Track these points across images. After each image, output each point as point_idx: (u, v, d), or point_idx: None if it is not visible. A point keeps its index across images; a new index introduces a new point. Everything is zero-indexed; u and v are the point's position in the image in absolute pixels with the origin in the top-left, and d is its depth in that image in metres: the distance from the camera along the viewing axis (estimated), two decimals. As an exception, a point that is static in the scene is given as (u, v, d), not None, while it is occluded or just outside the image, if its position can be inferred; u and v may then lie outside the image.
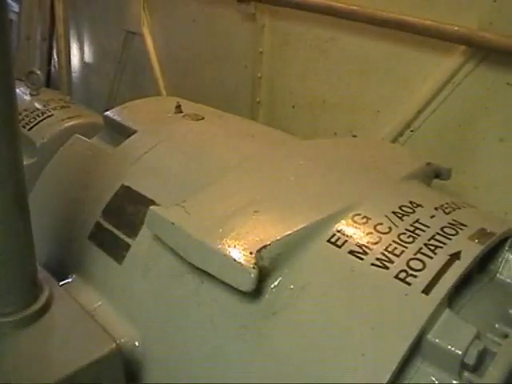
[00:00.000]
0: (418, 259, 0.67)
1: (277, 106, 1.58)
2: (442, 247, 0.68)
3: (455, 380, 0.62)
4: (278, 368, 0.65)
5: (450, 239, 0.70)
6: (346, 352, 0.63)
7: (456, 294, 0.68)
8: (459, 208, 0.78)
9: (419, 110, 1.28)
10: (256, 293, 0.67)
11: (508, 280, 0.74)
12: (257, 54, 1.58)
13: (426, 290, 0.63)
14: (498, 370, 0.61)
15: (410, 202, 0.76)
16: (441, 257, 0.67)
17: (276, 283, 0.68)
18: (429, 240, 0.69)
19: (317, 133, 1.48)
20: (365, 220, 0.71)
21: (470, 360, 0.60)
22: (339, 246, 0.69)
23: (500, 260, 0.75)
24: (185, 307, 0.75)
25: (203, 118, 1.04)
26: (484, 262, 0.75)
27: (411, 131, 1.31)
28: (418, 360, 0.64)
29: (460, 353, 0.60)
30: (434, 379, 0.63)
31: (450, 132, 1.24)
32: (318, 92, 1.48)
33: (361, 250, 0.68)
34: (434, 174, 0.96)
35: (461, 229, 0.72)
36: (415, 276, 0.65)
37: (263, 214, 0.73)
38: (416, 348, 0.63)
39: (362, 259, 0.67)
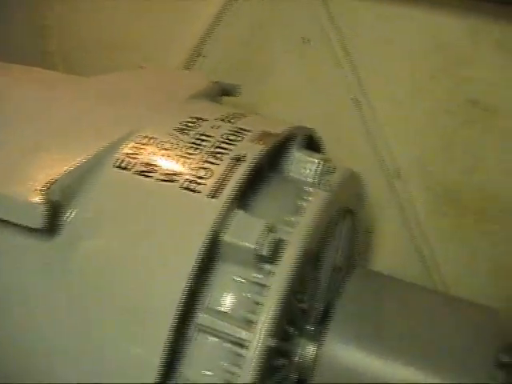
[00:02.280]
0: (203, 168, 0.72)
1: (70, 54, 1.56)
2: (227, 153, 0.74)
3: (255, 273, 0.69)
4: (85, 296, 0.68)
5: (234, 145, 0.75)
6: (146, 266, 0.67)
7: (248, 195, 0.74)
8: (244, 117, 0.84)
9: (205, 35, 1.32)
10: (52, 229, 0.69)
11: (297, 176, 0.81)
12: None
13: (214, 195, 0.69)
14: (290, 254, 0.68)
15: (192, 117, 0.81)
16: (226, 162, 0.72)
17: (70, 216, 0.71)
18: (213, 149, 0.75)
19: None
20: (148, 140, 0.75)
21: (263, 251, 0.66)
22: (126, 169, 0.73)
23: (289, 158, 0.83)
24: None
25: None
26: (276, 162, 0.83)
27: (203, 57, 1.35)
28: (218, 263, 0.70)
29: (252, 246, 0.66)
30: (233, 277, 0.70)
31: (240, 52, 1.30)
32: (107, 33, 1.49)
33: (147, 169, 0.72)
34: (221, 92, 1.02)
35: (245, 134, 0.78)
36: (201, 184, 0.70)
37: (48, 152, 0.75)
38: (214, 252, 0.69)
39: (149, 177, 0.71)
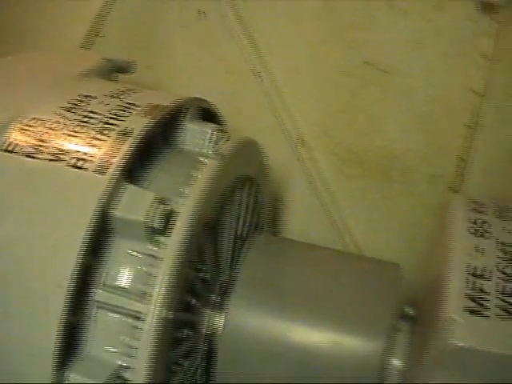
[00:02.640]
0: (91, 145, 0.72)
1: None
2: (113, 129, 0.74)
3: (149, 246, 0.70)
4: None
5: (122, 120, 0.76)
6: (38, 248, 0.68)
7: (140, 169, 0.75)
8: (135, 92, 0.84)
9: (102, 14, 1.31)
10: None
11: (191, 147, 0.82)
12: None
13: (101, 170, 0.69)
14: (181, 224, 0.69)
15: (81, 96, 0.80)
16: (113, 137, 0.73)
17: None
18: (101, 125, 0.75)
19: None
20: (35, 121, 0.75)
21: (154, 223, 0.67)
22: (13, 152, 0.72)
23: (182, 131, 0.83)
24: None
25: None
26: (170, 136, 0.83)
27: (101, 37, 1.34)
28: (112, 239, 0.71)
29: (142, 219, 0.67)
30: (128, 251, 0.70)
31: (138, 29, 1.30)
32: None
33: (35, 150, 0.72)
34: (116, 70, 1.02)
35: (133, 109, 0.78)
36: (89, 161, 0.70)
37: None
38: (106, 228, 0.69)
39: (37, 158, 0.71)
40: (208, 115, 0.90)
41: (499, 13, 1.06)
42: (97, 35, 1.34)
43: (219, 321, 0.82)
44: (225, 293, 0.83)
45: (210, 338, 0.82)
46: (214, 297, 0.83)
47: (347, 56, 1.15)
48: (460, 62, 1.11)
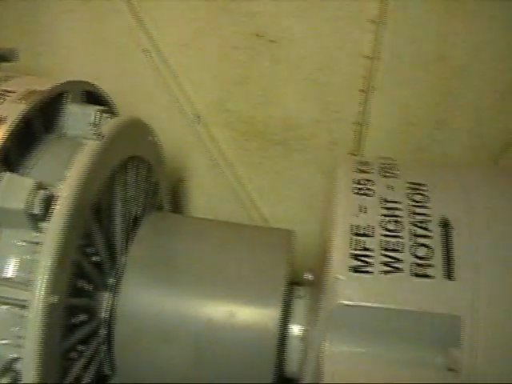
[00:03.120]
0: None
1: None
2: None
3: (33, 233, 0.69)
4: None
5: (-4, 109, 0.74)
6: None
7: (20, 157, 0.74)
8: (12, 79, 0.83)
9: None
10: None
11: (73, 131, 0.81)
12: None
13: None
14: (59, 208, 0.68)
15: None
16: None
17: None
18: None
19: None
20: None
21: (34, 209, 0.66)
22: None
23: (65, 115, 0.82)
24: None
25: None
26: (51, 120, 0.82)
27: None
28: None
29: (22, 207, 0.66)
30: (14, 241, 0.69)
31: (24, 17, 1.27)
32: None
33: None
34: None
35: (8, 96, 0.76)
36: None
37: None
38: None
39: None
40: (94, 97, 0.89)
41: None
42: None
43: (116, 304, 0.81)
44: (119, 274, 0.82)
45: (110, 322, 0.81)
46: (110, 280, 0.82)
47: (237, 29, 1.15)
48: (348, 27, 1.13)
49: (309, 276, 0.83)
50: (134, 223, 0.87)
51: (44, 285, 0.65)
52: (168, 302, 0.78)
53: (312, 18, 1.13)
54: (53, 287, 0.66)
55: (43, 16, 1.25)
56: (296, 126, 1.19)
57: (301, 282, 0.85)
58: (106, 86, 0.94)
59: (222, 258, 0.82)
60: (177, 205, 1.24)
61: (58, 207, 0.68)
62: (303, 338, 0.78)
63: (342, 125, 1.19)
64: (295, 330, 0.78)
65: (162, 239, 0.85)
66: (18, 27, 1.27)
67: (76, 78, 0.87)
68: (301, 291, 0.82)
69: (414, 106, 1.18)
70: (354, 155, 1.19)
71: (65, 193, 0.69)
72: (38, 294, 0.65)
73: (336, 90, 1.17)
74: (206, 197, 1.29)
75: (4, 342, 0.68)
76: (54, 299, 0.66)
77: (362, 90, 1.16)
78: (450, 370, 0.62)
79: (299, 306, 0.80)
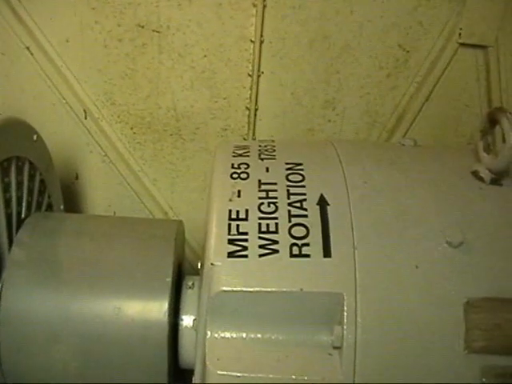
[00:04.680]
0: None
1: None
2: None
3: None
4: None
5: None
6: None
7: None
8: None
9: None
10: None
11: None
12: None
13: None
14: None
15: None
16: None
17: None
18: None
19: None
20: None
21: None
22: None
23: None
24: None
25: None
26: None
27: None
28: None
29: None
30: None
31: None
32: None
33: None
34: None
35: None
36: None
37: None
38: None
39: None
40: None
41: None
42: None
43: (-1, 309, 0.78)
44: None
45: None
46: (-8, 281, 0.79)
47: (119, 21, 1.13)
48: (231, 12, 1.12)
49: (199, 265, 0.81)
50: (19, 224, 0.84)
51: None
52: (52, 303, 0.76)
53: (194, 5, 1.11)
54: None
55: None
56: (187, 116, 1.18)
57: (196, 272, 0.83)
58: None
59: (105, 253, 0.80)
60: (72, 203, 1.21)
61: None
62: (195, 328, 0.76)
63: (232, 111, 1.19)
64: (187, 320, 0.77)
65: (42, 239, 0.82)
66: None
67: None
68: (190, 281, 0.80)
69: (302, 87, 1.18)
70: (245, 140, 1.18)
71: None
72: None
73: (224, 77, 1.17)
74: (101, 193, 1.26)
75: None
76: None
77: (250, 75, 1.15)
78: (335, 348, 0.62)
79: (190, 296, 0.78)
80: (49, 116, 1.17)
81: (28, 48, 1.16)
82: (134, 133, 1.20)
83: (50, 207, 0.99)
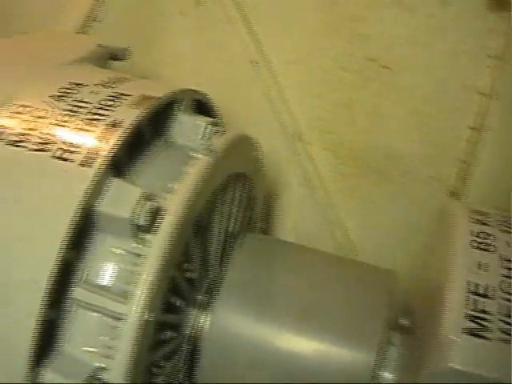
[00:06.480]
0: (77, 136, 0.69)
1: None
2: (103, 120, 0.70)
3: (134, 243, 0.66)
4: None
5: (111, 111, 0.72)
6: (16, 238, 0.64)
7: (128, 163, 0.72)
8: (127, 81, 0.81)
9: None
10: None
11: (182, 141, 0.79)
12: None
13: (86, 163, 0.65)
14: (167, 222, 0.66)
15: (71, 83, 0.77)
16: (101, 128, 0.69)
17: None
18: (89, 115, 0.72)
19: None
20: (23, 108, 0.72)
21: (140, 220, 0.64)
22: (-1, 139, 0.69)
23: (174, 123, 0.80)
24: None
25: None
26: (161, 128, 0.80)
27: (98, 22, 1.30)
28: (95, 235, 0.67)
29: (128, 216, 0.63)
30: (112, 248, 0.67)
31: (136, 15, 1.26)
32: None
33: (19, 139, 0.69)
34: (109, 56, 0.98)
35: (124, 99, 0.74)
36: (75, 152, 0.67)
37: None
38: (89, 223, 0.66)
39: (22, 147, 0.68)
40: (201, 106, 0.87)
41: (509, 10, 1.02)
42: (94, 20, 1.30)
43: (204, 322, 0.79)
44: (212, 293, 0.80)
45: (194, 340, 0.78)
46: (200, 297, 0.80)
47: (349, 50, 1.12)
48: (465, 61, 1.08)
49: (405, 322, 0.78)
50: (229, 240, 0.84)
51: (143, 299, 0.63)
52: (259, 330, 0.75)
53: (429, 47, 1.08)
54: (151, 302, 0.63)
55: (156, 16, 1.24)
56: (396, 157, 1.15)
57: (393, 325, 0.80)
58: (207, 92, 0.92)
59: (318, 293, 0.78)
60: (264, 220, 1.21)
61: (166, 221, 0.65)
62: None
63: (445, 161, 1.14)
64: (386, 377, 0.74)
65: (260, 263, 0.82)
66: (130, 25, 1.26)
67: (189, 84, 0.85)
68: (395, 337, 0.77)
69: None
70: (455, 194, 1.13)
71: (174, 207, 0.66)
72: (136, 308, 0.63)
73: (444, 125, 1.12)
74: (293, 215, 1.25)
75: (91, 349, 0.66)
76: (151, 315, 0.63)
77: (473, 128, 1.10)
78: None
79: (392, 353, 0.75)
80: (259, 130, 1.15)
81: (253, 61, 1.17)
82: (340, 163, 1.18)
83: (253, 225, 0.99)
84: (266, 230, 1.17)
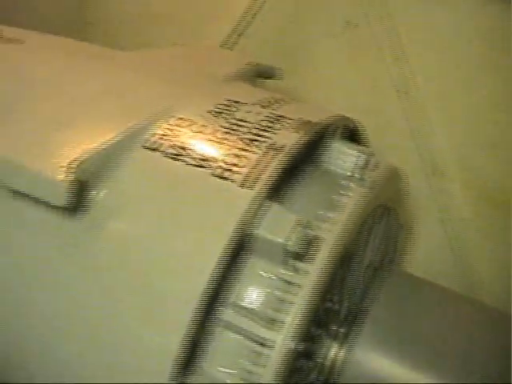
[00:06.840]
0: (238, 155, 0.69)
1: (110, 26, 1.54)
2: (264, 141, 0.70)
3: (285, 270, 0.66)
4: (103, 282, 0.66)
5: (272, 132, 0.72)
6: (171, 254, 0.65)
7: (281, 186, 0.71)
8: (284, 103, 0.81)
9: (247, 15, 1.28)
10: (76, 207, 0.66)
11: (335, 169, 0.78)
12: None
13: (247, 185, 0.65)
14: (326, 252, 0.65)
15: (229, 100, 0.77)
16: (262, 150, 0.69)
17: (96, 196, 0.68)
18: (250, 135, 0.72)
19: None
20: (181, 121, 0.73)
21: (294, 247, 0.63)
22: (156, 151, 0.70)
23: (325, 149, 0.79)
24: (6, 232, 0.72)
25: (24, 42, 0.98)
26: (310, 152, 0.78)
27: (245, 38, 1.32)
28: (246, 257, 0.67)
29: (284, 241, 0.63)
30: (262, 273, 0.66)
31: (283, 34, 1.27)
32: (149, 6, 1.46)
33: (178, 152, 0.69)
34: (258, 74, 0.98)
35: (284, 122, 0.74)
36: (235, 172, 0.67)
37: (76, 128, 0.72)
38: (243, 245, 0.66)
39: (180, 161, 0.69)
40: (350, 132, 0.85)
41: None
42: (240, 35, 1.32)
43: (338, 353, 0.77)
44: (350, 325, 0.78)
45: (328, 370, 0.77)
46: (336, 327, 0.78)
47: (502, 88, 1.08)
48: None
49: None
50: (371, 272, 0.82)
51: (293, 328, 0.62)
52: (398, 372, 0.73)
53: None
54: (300, 331, 0.62)
55: (304, 36, 1.24)
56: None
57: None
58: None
59: (464, 345, 0.75)
60: (400, 254, 1.19)
61: (324, 251, 0.64)
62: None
63: None
64: None
65: (406, 303, 0.79)
66: (277, 44, 1.27)
67: (335, 109, 0.84)
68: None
69: None
70: None
71: (332, 237, 0.65)
72: (285, 337, 0.62)
73: None
74: (424, 249, 1.22)
75: (229, 371, 0.65)
76: (297, 343, 0.62)
77: None
78: None
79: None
80: (397, 163, 1.14)
81: (399, 90, 1.15)
82: (480, 203, 1.14)
83: (391, 258, 0.97)
84: (400, 264, 1.15)
